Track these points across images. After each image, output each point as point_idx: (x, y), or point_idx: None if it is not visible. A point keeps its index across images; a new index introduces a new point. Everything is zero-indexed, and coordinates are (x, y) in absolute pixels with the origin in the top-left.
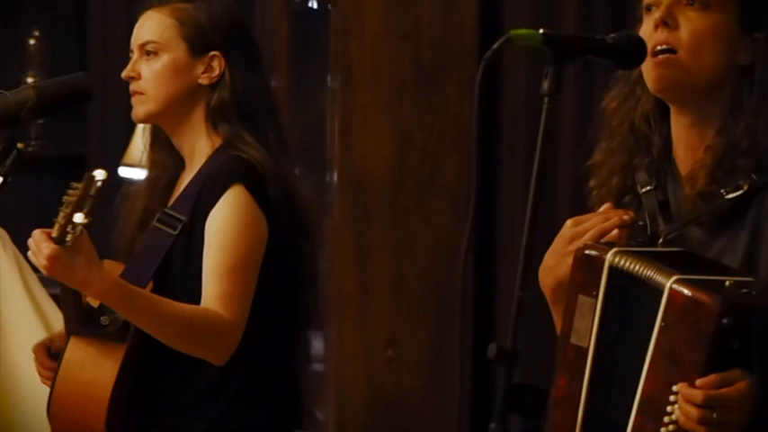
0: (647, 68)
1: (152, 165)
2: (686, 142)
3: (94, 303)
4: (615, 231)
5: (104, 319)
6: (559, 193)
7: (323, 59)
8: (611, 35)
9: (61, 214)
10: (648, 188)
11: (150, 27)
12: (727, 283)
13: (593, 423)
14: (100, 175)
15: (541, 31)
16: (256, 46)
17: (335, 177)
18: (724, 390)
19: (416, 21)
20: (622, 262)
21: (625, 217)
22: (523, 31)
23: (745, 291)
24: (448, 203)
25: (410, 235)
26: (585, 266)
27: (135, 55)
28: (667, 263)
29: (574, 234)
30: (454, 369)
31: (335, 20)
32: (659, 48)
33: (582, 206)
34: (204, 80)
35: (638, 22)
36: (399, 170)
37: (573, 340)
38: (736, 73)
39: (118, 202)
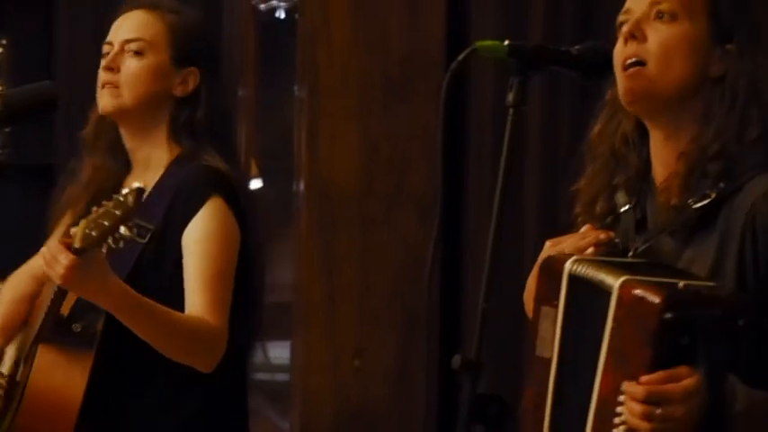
0: (620, 83)
1: (92, 169)
2: (662, 156)
3: (64, 311)
4: (590, 249)
5: (76, 327)
6: (525, 204)
7: (290, 68)
8: (576, 47)
9: (88, 224)
10: (627, 207)
11: (140, 26)
12: (680, 284)
13: None
14: (142, 188)
15: (507, 42)
16: (222, 66)
17: (302, 186)
18: (668, 386)
19: (384, 30)
20: (581, 269)
21: (601, 236)
22: (489, 43)
23: (695, 289)
24: (415, 213)
25: (377, 244)
26: (547, 277)
27: (116, 48)
28: (626, 268)
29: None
30: (421, 379)
31: (303, 29)
32: (629, 61)
33: (548, 217)
34: (178, 91)
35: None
36: (366, 179)
37: (538, 352)
38: (709, 84)
39: (53, 205)
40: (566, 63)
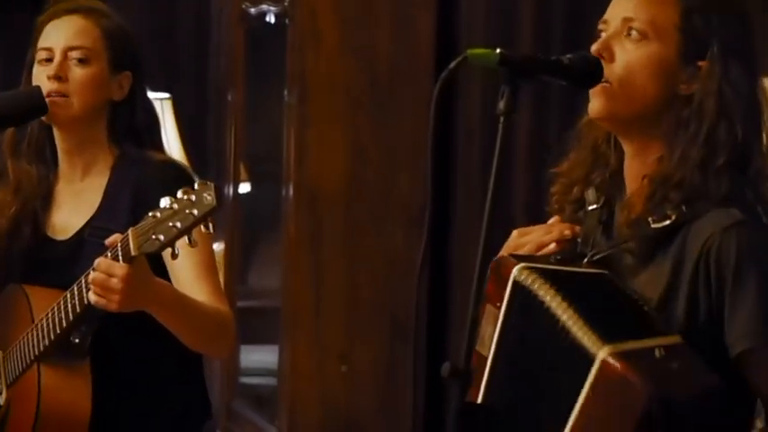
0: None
1: (18, 174)
2: (630, 170)
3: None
4: (552, 245)
5: (74, 339)
6: (515, 212)
7: (279, 74)
8: (567, 56)
9: (146, 230)
10: (594, 207)
11: (81, 33)
12: (657, 353)
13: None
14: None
15: (498, 51)
16: (145, 68)
17: (290, 192)
18: None
19: (373, 37)
20: (527, 280)
21: (566, 231)
22: (480, 51)
23: (672, 365)
24: (402, 220)
25: (364, 250)
26: (495, 277)
27: (58, 56)
28: (572, 293)
29: (516, 245)
30: (407, 385)
31: (292, 35)
32: None
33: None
34: (116, 96)
35: None
36: (354, 186)
37: (477, 347)
38: (679, 102)
39: None
40: (556, 72)
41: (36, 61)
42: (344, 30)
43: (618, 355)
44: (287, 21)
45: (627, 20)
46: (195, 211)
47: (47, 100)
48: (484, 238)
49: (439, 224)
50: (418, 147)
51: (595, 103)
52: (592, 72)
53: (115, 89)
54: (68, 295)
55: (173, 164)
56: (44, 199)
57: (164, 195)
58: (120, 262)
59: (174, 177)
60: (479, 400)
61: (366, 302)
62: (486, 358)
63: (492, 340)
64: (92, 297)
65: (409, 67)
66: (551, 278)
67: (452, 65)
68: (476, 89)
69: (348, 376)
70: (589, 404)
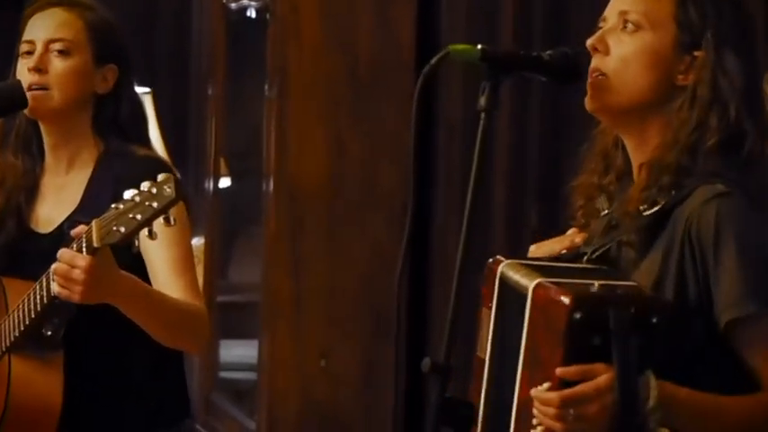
0: None
1: (3, 166)
2: (635, 164)
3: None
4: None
5: (46, 331)
6: (495, 208)
7: (260, 68)
8: (548, 52)
9: (109, 221)
10: (606, 212)
11: (62, 25)
12: (596, 284)
13: None
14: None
15: (479, 47)
16: (132, 61)
17: (271, 187)
18: (579, 387)
19: (354, 32)
20: (509, 272)
21: (576, 239)
22: (462, 47)
23: (609, 288)
24: (383, 215)
25: (345, 245)
26: (486, 279)
27: (39, 48)
28: (551, 272)
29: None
30: (387, 379)
31: (273, 30)
32: (592, 73)
33: (515, 221)
34: (100, 89)
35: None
36: (335, 181)
37: (478, 352)
38: (677, 93)
39: None
40: (537, 68)
41: (20, 54)
42: (325, 25)
43: (547, 283)
44: (268, 16)
45: (623, 13)
46: (155, 204)
47: (28, 93)
48: (464, 234)
49: (419, 219)
50: (399, 142)
51: (591, 95)
52: (572, 68)
53: (99, 82)
54: (37, 287)
55: (154, 159)
56: (29, 192)
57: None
58: (84, 253)
59: (152, 172)
60: (481, 402)
61: (346, 297)
62: (483, 360)
63: (487, 341)
64: (55, 288)
65: (390, 63)
66: (535, 269)
67: (434, 60)
68: (457, 85)
69: (328, 371)
70: (529, 338)
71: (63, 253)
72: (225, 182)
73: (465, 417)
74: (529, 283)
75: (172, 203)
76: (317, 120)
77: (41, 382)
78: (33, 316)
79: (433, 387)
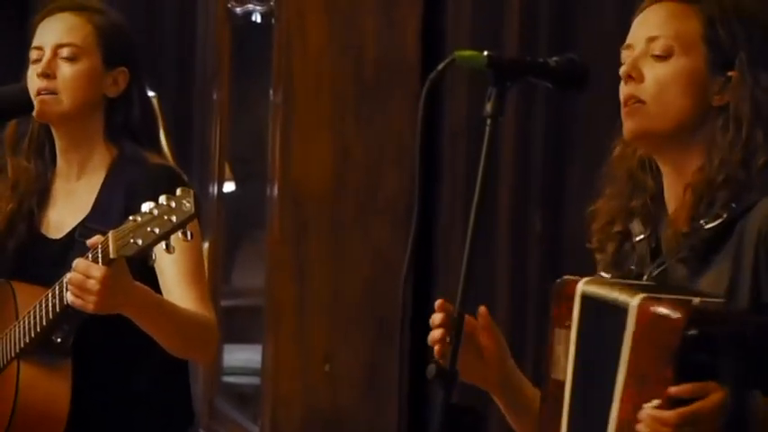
0: (623, 121)
1: (17, 170)
2: (671, 188)
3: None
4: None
5: (56, 338)
6: (499, 214)
7: (264, 72)
8: (554, 58)
9: (126, 233)
10: (642, 236)
11: (70, 30)
12: (696, 300)
13: None
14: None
15: (486, 53)
16: (144, 65)
17: (275, 191)
18: (696, 405)
19: (359, 36)
20: (593, 289)
21: None
22: (468, 53)
23: (710, 305)
24: (387, 219)
25: (348, 250)
26: (558, 299)
27: (47, 54)
28: (641, 288)
29: None
30: (390, 384)
31: (278, 34)
32: (627, 101)
33: (519, 227)
34: (110, 92)
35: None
36: (339, 185)
37: (553, 374)
38: (713, 114)
39: None
40: (543, 75)
41: (30, 61)
42: (331, 29)
43: (652, 298)
44: (273, 20)
45: (651, 39)
46: (174, 218)
47: (37, 98)
48: (470, 239)
49: (423, 224)
50: (404, 147)
51: (631, 123)
52: (578, 75)
53: (109, 85)
54: (50, 294)
55: (168, 168)
56: (41, 196)
57: (153, 199)
58: (99, 264)
59: (165, 182)
60: (564, 425)
61: (350, 302)
62: (562, 382)
63: (567, 362)
64: (69, 297)
65: (395, 67)
66: (621, 285)
67: (440, 66)
68: (462, 90)
69: (331, 375)
70: (633, 356)
71: (78, 263)
72: (229, 186)
73: (470, 423)
74: (629, 298)
75: (190, 219)
76: (321, 124)
77: (49, 389)
78: (45, 324)
79: (439, 393)
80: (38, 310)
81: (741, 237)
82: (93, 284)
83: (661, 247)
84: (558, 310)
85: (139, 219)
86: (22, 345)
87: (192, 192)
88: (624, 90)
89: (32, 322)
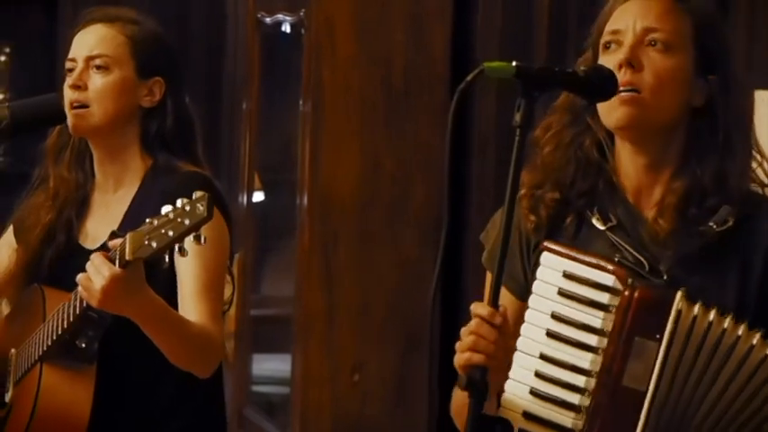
0: (612, 106)
1: (57, 180)
2: (639, 182)
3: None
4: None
5: (80, 343)
6: None
7: (294, 82)
8: (582, 68)
9: (142, 235)
10: (611, 224)
11: (102, 41)
12: None
13: None
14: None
15: (514, 63)
16: (184, 74)
17: (305, 200)
18: None
19: (388, 46)
20: (694, 311)
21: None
22: (497, 64)
23: None
24: (416, 229)
25: (377, 260)
26: (648, 309)
27: (80, 65)
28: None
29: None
30: (418, 395)
31: (308, 43)
32: (625, 87)
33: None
34: (145, 103)
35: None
36: (368, 195)
37: (626, 382)
38: (690, 114)
39: (18, 214)
40: (572, 85)
41: (65, 74)
42: (360, 39)
43: None
44: (302, 30)
45: (648, 29)
46: (187, 221)
47: (70, 113)
48: (501, 250)
49: (452, 234)
50: (433, 156)
51: (625, 111)
52: (607, 85)
53: (143, 96)
54: (72, 297)
55: (199, 175)
56: (80, 207)
57: None
58: (117, 265)
59: (196, 188)
60: None
61: (379, 312)
62: (640, 392)
63: (652, 373)
64: (80, 289)
65: (424, 77)
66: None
67: (470, 77)
68: (490, 100)
69: (360, 385)
70: None
71: (94, 256)
72: (258, 195)
73: None
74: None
75: (203, 221)
76: (350, 134)
77: (70, 394)
78: (66, 326)
79: (470, 403)
80: (60, 313)
81: (746, 241)
82: (100, 279)
83: (626, 227)
84: (644, 320)
85: (156, 222)
86: (45, 348)
87: (206, 195)
88: (621, 77)
89: (55, 325)
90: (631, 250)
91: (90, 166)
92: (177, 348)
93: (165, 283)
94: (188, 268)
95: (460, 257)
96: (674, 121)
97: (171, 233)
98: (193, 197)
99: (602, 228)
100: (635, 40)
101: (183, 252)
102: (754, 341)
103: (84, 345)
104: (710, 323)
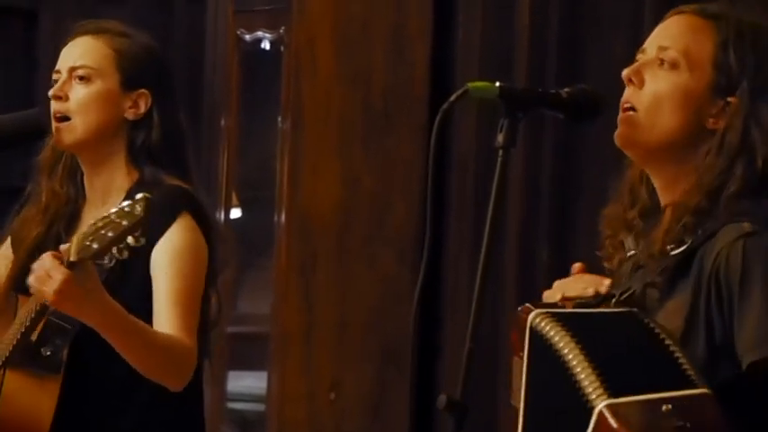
0: None
1: (49, 194)
2: (662, 204)
3: (32, 335)
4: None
5: (45, 351)
6: (506, 244)
7: (273, 100)
8: (566, 89)
9: (85, 236)
10: (632, 252)
11: (86, 52)
12: (663, 407)
13: None
14: (149, 197)
15: (497, 84)
16: (176, 90)
17: (283, 218)
18: None
19: (368, 65)
20: (540, 324)
21: (602, 289)
22: (480, 84)
23: (678, 423)
24: (394, 248)
25: (355, 279)
26: (516, 327)
27: (63, 76)
28: (587, 335)
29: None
30: (395, 413)
31: (288, 61)
32: (624, 105)
33: (527, 258)
34: (130, 115)
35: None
36: (347, 214)
37: (512, 401)
38: (707, 137)
39: (14, 227)
40: (555, 106)
41: (53, 84)
42: (340, 58)
43: (616, 409)
44: (282, 48)
45: (662, 48)
46: (125, 222)
47: (54, 125)
48: (481, 271)
49: (431, 253)
50: (412, 176)
51: (619, 129)
52: (590, 105)
53: (128, 108)
54: (31, 300)
55: (180, 189)
56: (70, 221)
57: (163, 218)
58: (63, 265)
59: (172, 201)
60: None
61: (357, 329)
62: (518, 411)
63: (520, 392)
64: (30, 280)
65: (404, 96)
66: (567, 321)
67: (453, 97)
68: (470, 120)
69: (337, 403)
70: None
71: (44, 257)
72: (236, 213)
73: None
74: (594, 397)
75: (140, 222)
76: (329, 152)
77: (31, 402)
78: (24, 330)
79: (450, 424)
80: (21, 316)
81: (701, 265)
82: (52, 284)
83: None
84: (515, 338)
85: (99, 223)
86: (7, 353)
87: (146, 197)
88: (625, 93)
89: (16, 329)
90: (620, 277)
91: (81, 181)
92: (144, 359)
93: (142, 296)
94: (160, 279)
95: (439, 277)
96: (677, 142)
97: (110, 234)
98: (136, 198)
99: (627, 255)
100: (648, 59)
101: (121, 253)
102: None
103: (49, 353)
104: (560, 359)
